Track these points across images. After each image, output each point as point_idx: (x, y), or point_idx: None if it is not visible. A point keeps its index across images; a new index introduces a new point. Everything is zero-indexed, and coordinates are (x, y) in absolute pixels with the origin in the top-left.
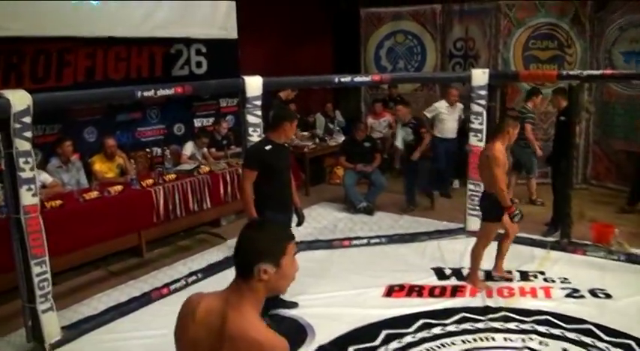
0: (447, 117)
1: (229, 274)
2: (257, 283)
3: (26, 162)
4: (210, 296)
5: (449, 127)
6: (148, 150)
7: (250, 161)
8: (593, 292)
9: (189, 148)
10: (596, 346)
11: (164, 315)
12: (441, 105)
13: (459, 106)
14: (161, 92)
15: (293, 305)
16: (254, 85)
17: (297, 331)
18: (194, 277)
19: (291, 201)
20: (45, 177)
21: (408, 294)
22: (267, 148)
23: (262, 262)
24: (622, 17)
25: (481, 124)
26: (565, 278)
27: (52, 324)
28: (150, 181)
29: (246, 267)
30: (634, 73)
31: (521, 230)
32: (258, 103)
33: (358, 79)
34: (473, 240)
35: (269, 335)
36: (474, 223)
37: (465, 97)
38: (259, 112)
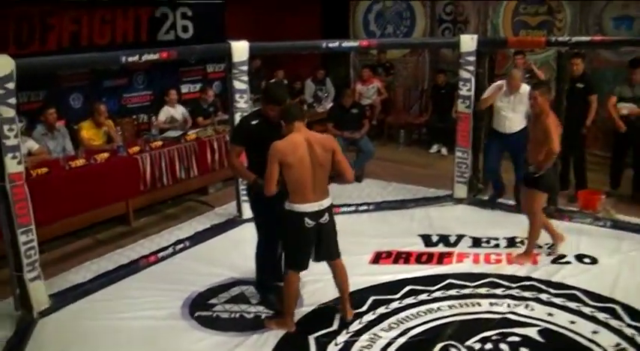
0: (504, 107)
1: (216, 242)
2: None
3: (10, 129)
4: (291, 136)
5: (509, 120)
6: (134, 116)
7: (235, 137)
8: (579, 258)
9: (163, 114)
10: (581, 311)
11: (152, 282)
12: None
13: (524, 92)
14: (146, 57)
15: None
16: (240, 50)
17: None
18: (181, 245)
19: None
20: (31, 144)
21: (395, 261)
22: (254, 122)
23: None
24: None
25: (469, 90)
26: (552, 244)
27: (39, 292)
28: (136, 149)
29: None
30: (623, 38)
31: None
32: (245, 68)
33: (346, 44)
34: (460, 207)
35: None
36: (461, 190)
37: (454, 62)
38: (246, 78)
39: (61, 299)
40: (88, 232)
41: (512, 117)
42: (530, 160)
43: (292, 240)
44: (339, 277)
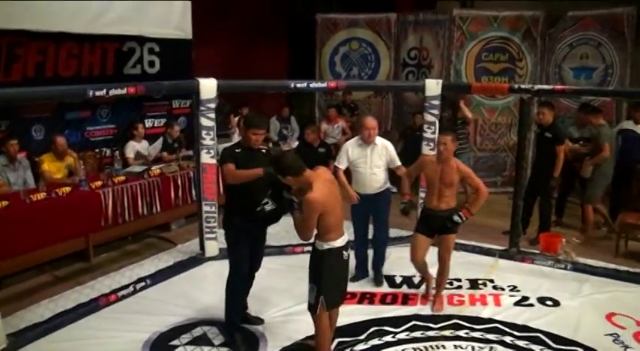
0: (360, 162)
1: (178, 280)
2: None
3: None
4: (318, 185)
5: (368, 178)
6: (96, 150)
7: (223, 158)
8: (542, 300)
9: (130, 149)
10: None
11: (112, 322)
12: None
13: (381, 145)
14: (113, 92)
15: (258, 321)
16: (208, 87)
17: (250, 342)
18: (143, 284)
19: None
20: None
21: (360, 301)
22: (237, 150)
23: None
24: (572, 34)
25: (433, 133)
26: (514, 286)
27: None
28: (98, 183)
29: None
30: (584, 88)
31: (474, 238)
32: (213, 105)
33: (314, 84)
34: None
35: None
36: None
37: (417, 105)
38: (213, 115)
39: (20, 339)
40: (46, 267)
41: (371, 175)
42: (442, 207)
43: (334, 277)
44: (335, 316)
